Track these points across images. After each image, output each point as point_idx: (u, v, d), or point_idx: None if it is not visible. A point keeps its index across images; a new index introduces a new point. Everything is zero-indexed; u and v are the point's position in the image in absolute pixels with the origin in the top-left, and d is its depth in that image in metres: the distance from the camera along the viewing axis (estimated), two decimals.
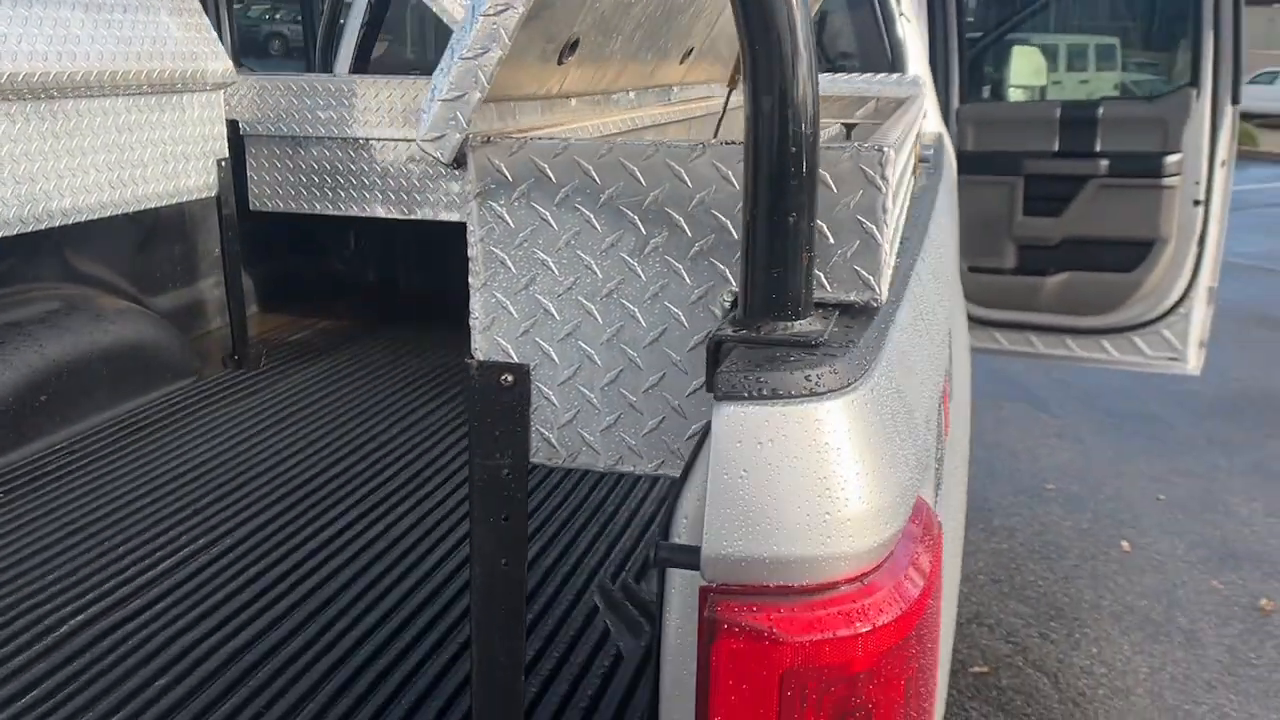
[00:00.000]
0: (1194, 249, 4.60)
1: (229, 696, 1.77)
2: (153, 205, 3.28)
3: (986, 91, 5.46)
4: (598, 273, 1.16)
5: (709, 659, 0.90)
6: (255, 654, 1.89)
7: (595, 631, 1.98)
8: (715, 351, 1.00)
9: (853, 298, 1.07)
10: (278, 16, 45.81)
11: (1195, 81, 4.39)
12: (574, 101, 1.63)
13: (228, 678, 1.82)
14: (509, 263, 1.19)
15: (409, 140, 3.79)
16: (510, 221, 1.17)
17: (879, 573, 0.94)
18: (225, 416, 3.18)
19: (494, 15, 1.08)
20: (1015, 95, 5.73)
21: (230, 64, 3.52)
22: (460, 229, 3.96)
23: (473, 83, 1.12)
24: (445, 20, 3.61)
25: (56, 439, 2.91)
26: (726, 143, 1.09)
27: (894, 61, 3.92)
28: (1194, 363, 4.66)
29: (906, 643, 0.94)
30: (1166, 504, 5.31)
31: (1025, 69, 5.99)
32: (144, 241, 3.56)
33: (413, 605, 2.07)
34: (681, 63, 2.09)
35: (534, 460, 1.23)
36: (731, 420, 0.89)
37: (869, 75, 3.46)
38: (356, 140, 3.83)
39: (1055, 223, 4.77)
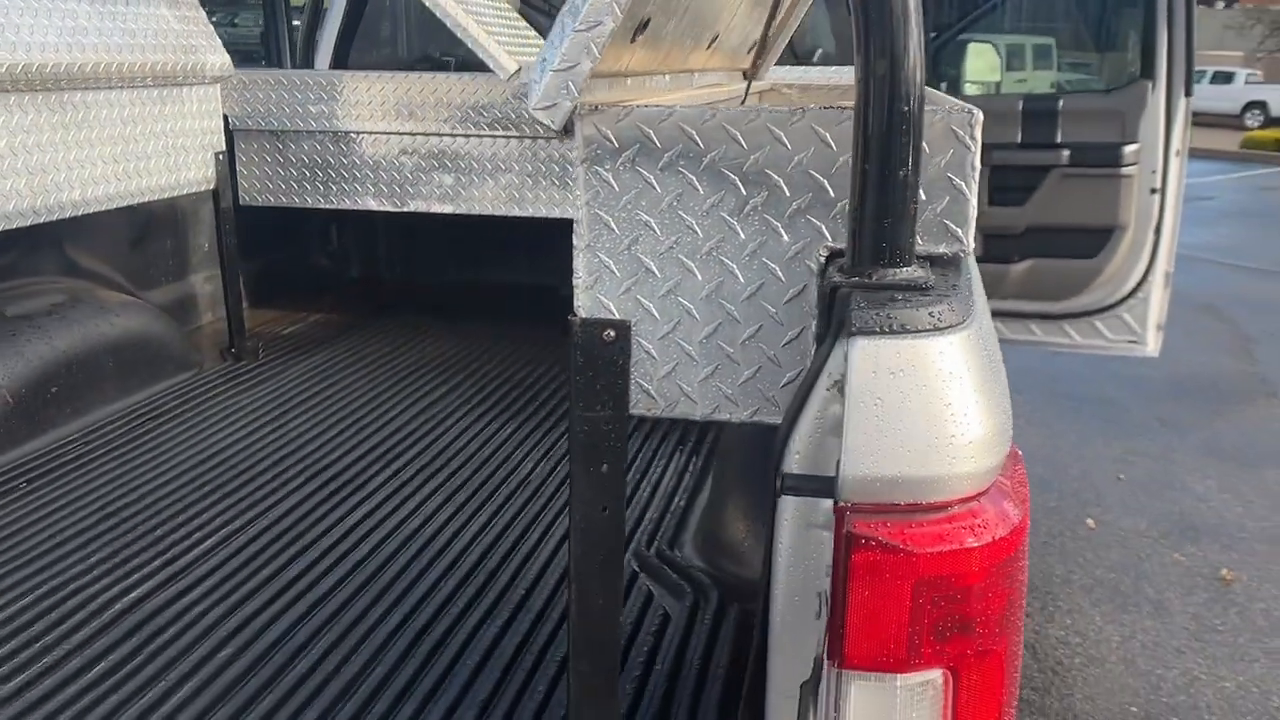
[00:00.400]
0: (1151, 236, 4.80)
1: (295, 662, 1.82)
2: (155, 198, 3.29)
3: (944, 88, 5.63)
4: (699, 232, 1.24)
5: (846, 572, 0.99)
6: (315, 621, 1.94)
7: (640, 595, 2.06)
8: (831, 296, 1.08)
9: (941, 249, 1.17)
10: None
11: (1150, 74, 4.59)
12: (629, 80, 1.71)
13: (292, 645, 1.86)
14: (613, 225, 1.26)
15: (400, 134, 3.83)
16: (615, 185, 1.25)
17: (989, 494, 1.03)
18: (236, 405, 3.19)
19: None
20: (971, 90, 5.90)
21: (227, 57, 3.53)
22: (450, 220, 4.00)
23: (584, 54, 1.19)
24: (438, 14, 3.65)
25: (69, 430, 2.91)
26: (824, 108, 1.18)
27: None
28: (1153, 345, 4.86)
29: (1011, 559, 1.04)
30: (1127, 483, 5.54)
31: (981, 66, 6.18)
32: (141, 235, 3.55)
33: (458, 575, 2.13)
34: (708, 49, 2.18)
35: (633, 411, 1.31)
36: (867, 353, 0.98)
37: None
38: (347, 134, 3.86)
39: (1019, 212, 4.94)
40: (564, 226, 3.83)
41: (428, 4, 3.70)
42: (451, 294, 4.62)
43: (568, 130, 1.24)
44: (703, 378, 1.29)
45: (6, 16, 2.63)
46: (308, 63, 4.58)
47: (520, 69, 3.69)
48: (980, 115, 1.13)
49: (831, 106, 1.17)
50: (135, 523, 2.37)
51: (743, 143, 1.21)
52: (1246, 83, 30.81)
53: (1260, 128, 27.48)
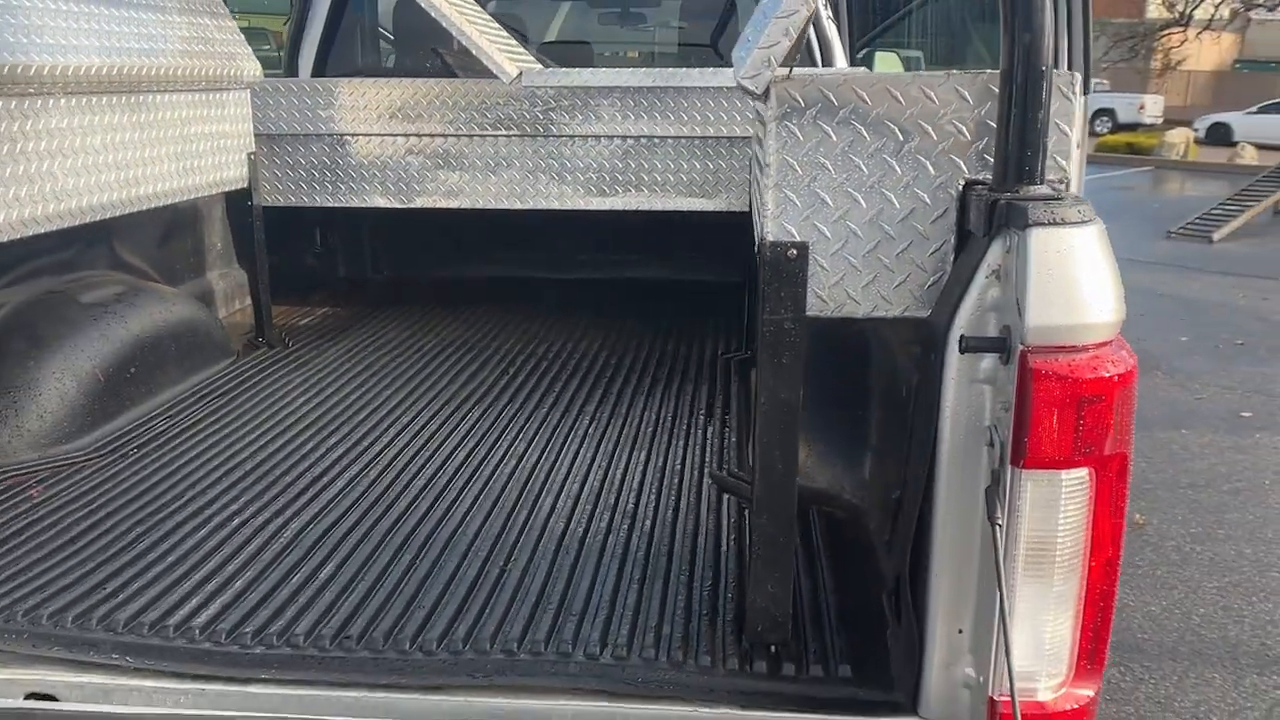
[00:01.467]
0: None
1: (465, 564, 2.13)
2: (204, 194, 3.50)
3: None
4: (864, 170, 1.63)
5: (1029, 396, 1.38)
6: (470, 532, 2.25)
7: (733, 503, 2.44)
8: (991, 208, 1.48)
9: (1051, 176, 1.58)
10: None
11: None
12: None
13: (458, 550, 2.17)
14: (796, 166, 1.64)
15: (407, 135, 4.11)
16: (800, 136, 1.63)
17: (1115, 342, 1.45)
18: (292, 381, 3.44)
19: None
20: None
21: (258, 64, 3.76)
22: (445, 214, 4.25)
23: (784, 35, 1.57)
24: (443, 22, 3.95)
25: (149, 406, 3.11)
26: (964, 72, 1.59)
27: (824, 58, 4.52)
28: None
29: (1130, 388, 1.45)
30: None
31: (889, 70, 6.81)
32: (180, 229, 3.75)
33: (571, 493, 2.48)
34: None
35: (809, 313, 1.68)
36: (1041, 238, 1.38)
37: (823, 68, 4.04)
38: (354, 136, 4.11)
39: None
40: (560, 218, 4.18)
41: (432, 13, 4.00)
42: (454, 286, 4.89)
43: (765, 95, 1.61)
44: (864, 284, 1.67)
45: (95, 24, 2.84)
46: (292, 71, 4.79)
47: (520, 74, 4.03)
48: (1079, 77, 1.56)
49: (967, 70, 1.58)
50: (260, 467, 2.63)
51: (901, 100, 1.60)
52: (1094, 91, 33.05)
53: (1110, 133, 29.68)
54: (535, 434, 2.97)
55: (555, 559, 2.19)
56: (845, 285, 1.68)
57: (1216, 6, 37.92)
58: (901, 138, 1.62)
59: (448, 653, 1.83)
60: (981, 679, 1.57)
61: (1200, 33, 35.53)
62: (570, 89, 4.02)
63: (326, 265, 4.94)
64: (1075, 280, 1.39)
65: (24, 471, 2.63)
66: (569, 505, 2.47)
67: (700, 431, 2.99)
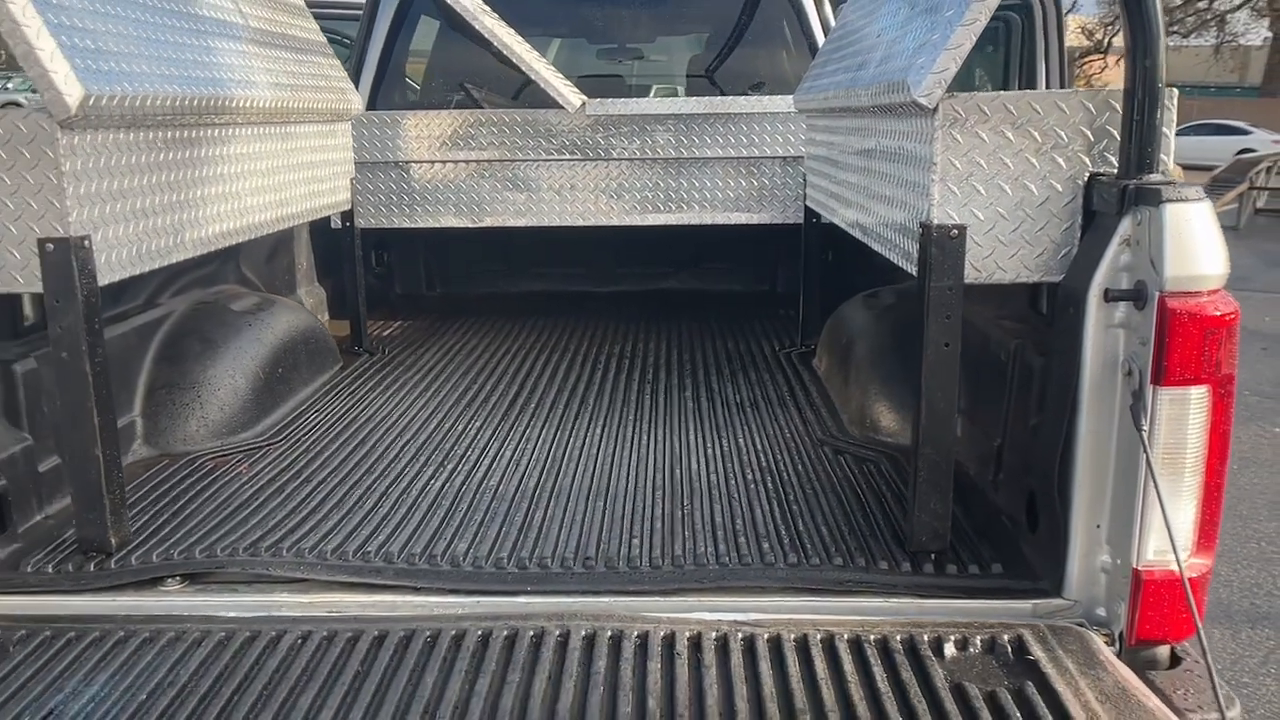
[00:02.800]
0: None
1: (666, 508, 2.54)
2: (325, 215, 3.86)
3: None
4: (1010, 166, 2.09)
5: (1167, 329, 1.84)
6: (642, 483, 2.67)
7: (842, 460, 2.88)
8: (1122, 192, 1.94)
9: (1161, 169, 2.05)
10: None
11: None
12: None
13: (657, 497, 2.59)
14: (957, 164, 2.09)
15: (478, 161, 4.50)
16: (961, 141, 2.08)
17: (1223, 290, 1.91)
18: (405, 380, 3.80)
19: (969, 24, 2.00)
20: None
21: (360, 99, 4.13)
22: (492, 234, 4.62)
23: (951, 62, 2.02)
24: (513, 58, 4.36)
25: (297, 401, 3.46)
26: (1088, 89, 2.05)
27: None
28: None
29: (1235, 324, 1.90)
30: None
31: None
32: (278, 249, 4.10)
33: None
34: None
35: (966, 280, 2.12)
36: (1174, 211, 1.84)
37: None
38: (429, 163, 4.50)
39: None
40: (600, 234, 4.59)
41: (502, 49, 4.41)
42: (503, 299, 5.27)
43: (934, 110, 2.06)
44: (1010, 256, 2.12)
45: (260, 63, 3.21)
46: None
47: (584, 103, 4.45)
48: (1176, 92, 2.03)
49: (1092, 87, 2.04)
50: (433, 435, 3.02)
51: (1039, 111, 2.06)
52: None
53: None
54: (650, 412, 3.37)
55: (724, 499, 2.60)
56: (995, 258, 2.12)
57: None
58: (1040, 140, 2.07)
59: (673, 566, 2.23)
60: (1119, 561, 2.01)
61: (1119, 60, 37.34)
62: (629, 116, 4.45)
63: (385, 283, 5.28)
64: (1197, 242, 1.85)
65: (213, 455, 2.96)
66: (710, 461, 2.88)
67: (794, 407, 3.42)
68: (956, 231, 2.10)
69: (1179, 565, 1.92)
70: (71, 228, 2.18)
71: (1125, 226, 1.93)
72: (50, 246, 2.16)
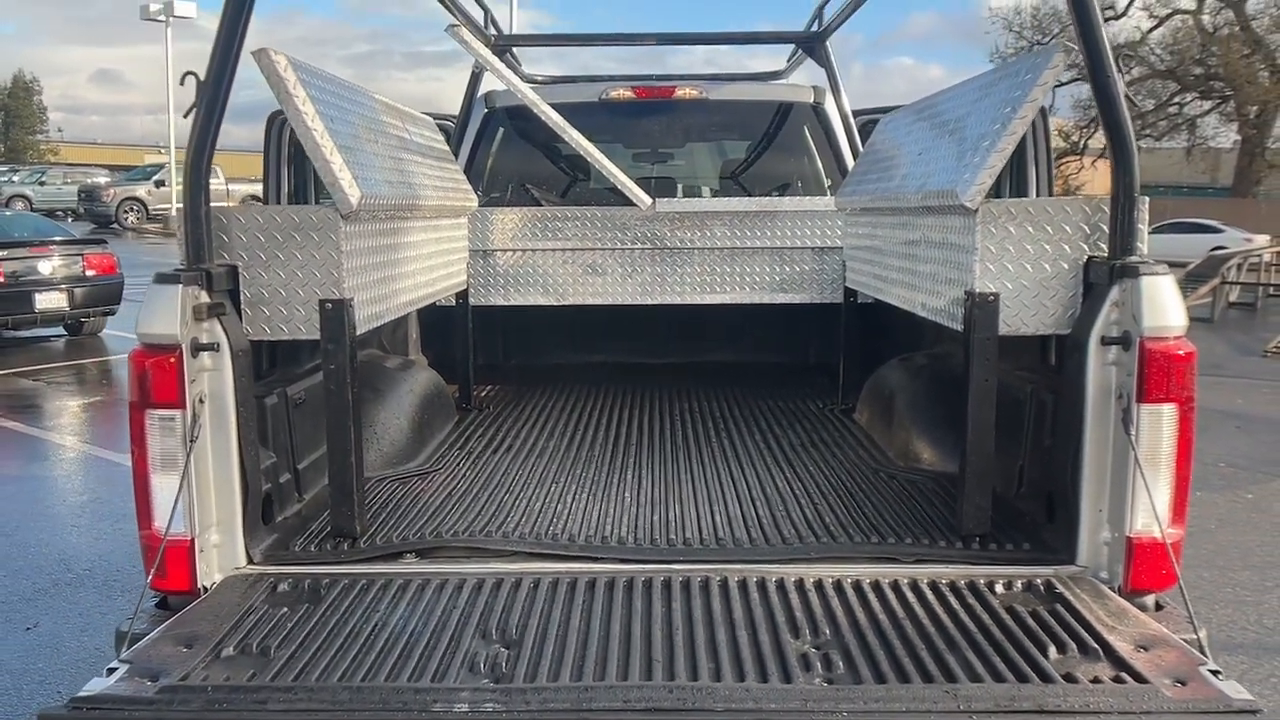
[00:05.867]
0: None
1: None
2: (452, 293, 4.68)
3: None
4: (1031, 251, 2.93)
5: (1145, 364, 2.64)
6: (728, 489, 3.44)
7: (897, 479, 3.66)
8: (1111, 268, 2.76)
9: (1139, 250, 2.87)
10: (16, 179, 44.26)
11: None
12: None
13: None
14: (993, 249, 2.92)
15: (562, 249, 5.32)
16: (995, 232, 2.92)
17: (1185, 336, 2.72)
18: (517, 427, 4.57)
19: (1002, 151, 2.85)
20: None
21: (475, 197, 4.99)
22: (563, 311, 5.43)
23: (989, 178, 2.87)
24: (593, 162, 5.22)
25: (436, 443, 4.22)
26: (1089, 197, 2.90)
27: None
28: None
29: (1194, 362, 2.71)
30: None
31: None
32: (400, 320, 4.90)
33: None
34: None
35: (1000, 333, 2.93)
36: (1150, 281, 2.67)
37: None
38: (521, 251, 5.33)
39: None
40: (656, 313, 5.40)
41: (583, 153, 5.27)
42: (571, 370, 6.05)
43: (976, 210, 2.90)
44: (1032, 315, 2.94)
45: (420, 169, 4.06)
46: None
47: (654, 201, 5.30)
48: (1148, 199, 2.86)
49: (1090, 196, 2.89)
50: (559, 462, 3.79)
51: (1051, 212, 2.90)
52: None
53: None
54: (729, 450, 4.15)
55: (809, 503, 3.37)
56: (1021, 316, 2.94)
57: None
58: (1051, 232, 2.91)
59: (781, 540, 3.00)
60: (1116, 534, 2.78)
61: (1095, 161, 39.07)
62: (689, 213, 5.31)
63: (463, 354, 6.08)
64: (1166, 302, 2.67)
65: (387, 480, 3.70)
66: (789, 481, 3.66)
67: (846, 447, 4.21)
68: (993, 297, 2.93)
69: (1160, 532, 2.69)
70: (344, 291, 2.97)
71: (1114, 293, 2.75)
72: (329, 305, 2.95)
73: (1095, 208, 2.90)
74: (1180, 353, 2.67)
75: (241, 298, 2.94)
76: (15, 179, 43.87)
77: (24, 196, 40.41)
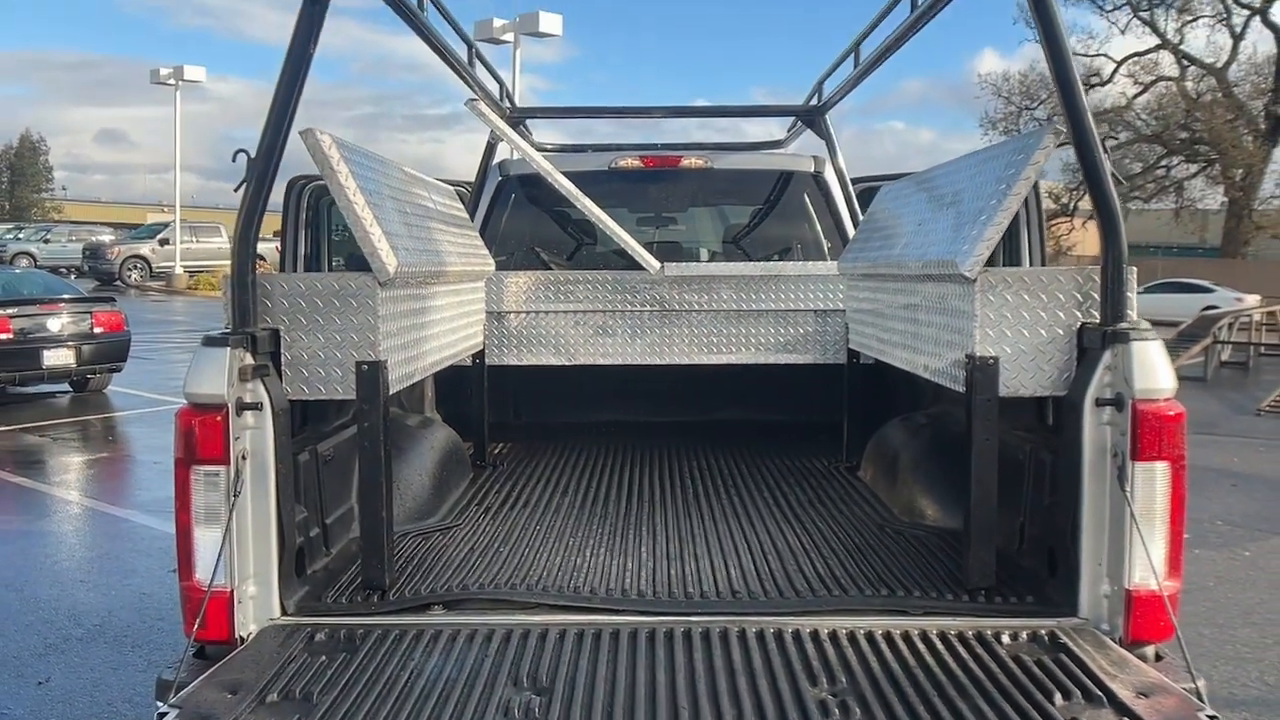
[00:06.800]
0: None
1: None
2: (471, 354, 4.85)
3: None
4: (1027, 316, 3.10)
5: (1138, 424, 2.80)
6: (739, 538, 3.58)
7: (903, 537, 3.79)
8: (1104, 334, 2.93)
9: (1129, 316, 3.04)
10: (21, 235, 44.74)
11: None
12: None
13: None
14: (991, 315, 3.09)
15: (574, 311, 5.50)
16: (993, 299, 3.10)
17: (1175, 398, 2.88)
18: (531, 481, 4.70)
19: (999, 224, 3.04)
20: None
21: (492, 261, 5.18)
22: (570, 371, 5.62)
23: (986, 249, 3.05)
24: (604, 228, 5.41)
25: (455, 497, 4.35)
26: (1079, 269, 3.08)
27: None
28: None
29: (1183, 420, 2.87)
30: None
31: None
32: (429, 381, 5.06)
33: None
34: None
35: (1000, 394, 3.09)
36: (1140, 345, 2.83)
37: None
38: (534, 313, 5.51)
39: None
40: (659, 373, 5.57)
41: (594, 220, 5.47)
42: (578, 428, 6.20)
43: (975, 278, 3.07)
44: (1029, 377, 3.11)
45: (445, 237, 4.25)
46: None
47: (663, 266, 5.49)
48: (1135, 269, 3.04)
49: (1081, 265, 3.07)
50: (575, 518, 3.92)
51: (1045, 280, 3.08)
52: None
53: None
54: (738, 506, 4.29)
55: (821, 557, 3.50)
56: (1019, 379, 3.11)
57: None
58: (1046, 299, 3.09)
59: (795, 595, 3.12)
60: (1115, 587, 2.91)
61: (1085, 222, 39.63)
62: (697, 276, 5.50)
63: (479, 412, 6.23)
64: (1155, 366, 2.84)
65: (409, 535, 3.83)
66: (800, 535, 3.79)
67: (852, 503, 4.35)
68: (993, 360, 3.09)
69: (1157, 584, 2.83)
70: (379, 353, 3.14)
71: (1107, 357, 2.92)
72: (365, 366, 3.11)
73: (1087, 276, 3.08)
74: (1171, 413, 2.83)
75: (283, 359, 3.10)
76: (20, 236, 44.32)
77: (29, 254, 40.79)
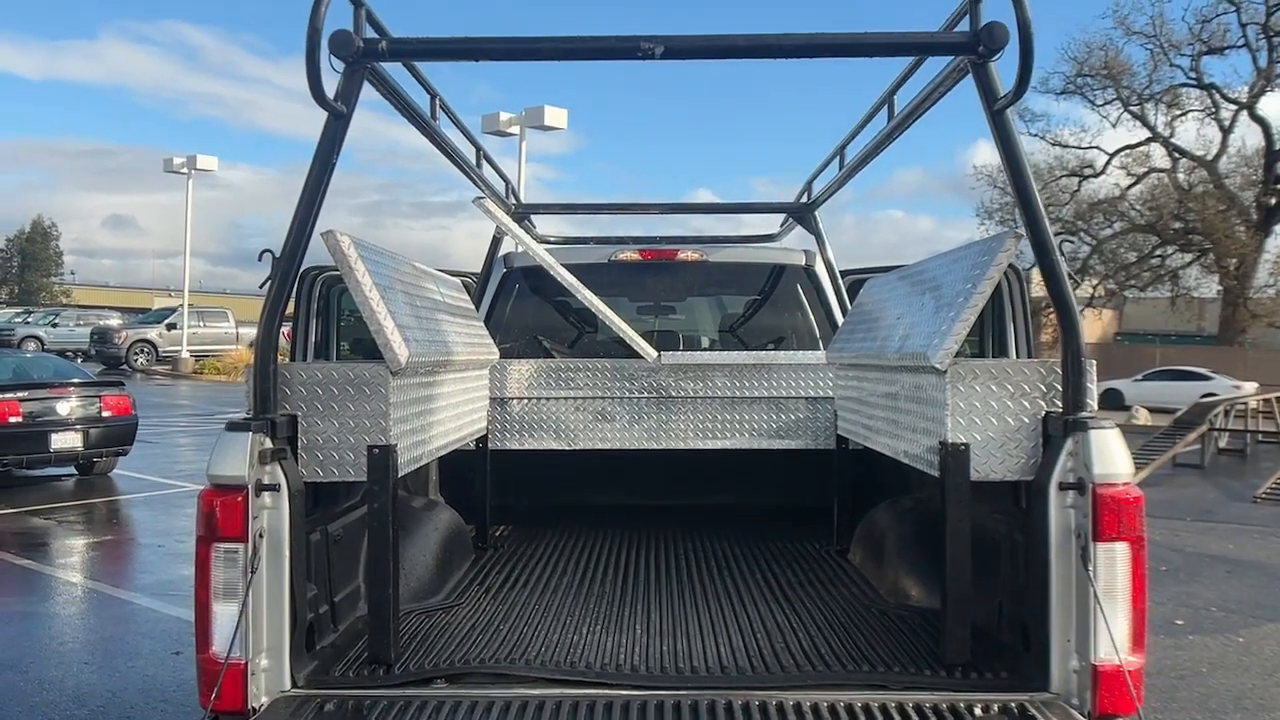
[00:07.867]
0: None
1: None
2: (475, 439, 5.05)
3: None
4: (995, 406, 3.31)
5: (1099, 507, 2.99)
6: (729, 619, 3.74)
7: (889, 617, 3.95)
8: (1065, 423, 3.14)
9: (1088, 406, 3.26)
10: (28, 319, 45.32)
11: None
12: None
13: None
14: (961, 404, 3.31)
15: (574, 397, 5.72)
16: (961, 388, 3.31)
17: (1131, 483, 3.08)
18: (533, 562, 4.86)
19: (966, 320, 3.28)
20: None
21: (496, 349, 5.41)
22: (568, 456, 5.82)
23: (955, 343, 3.28)
24: (602, 317, 5.66)
25: (457, 578, 4.51)
26: (1048, 363, 3.30)
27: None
28: None
29: (1141, 504, 3.06)
30: None
31: None
32: (433, 465, 5.26)
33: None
34: None
35: (971, 479, 3.29)
36: (1099, 434, 3.04)
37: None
38: (533, 399, 5.72)
39: None
40: (654, 458, 5.76)
41: (594, 311, 5.72)
42: (577, 510, 6.36)
43: (945, 370, 3.30)
44: (999, 463, 3.31)
45: (452, 328, 4.50)
46: None
47: (660, 355, 5.73)
48: (1094, 362, 3.26)
49: (1044, 360, 3.30)
50: (573, 598, 4.08)
51: (1011, 372, 3.30)
52: None
53: None
54: (729, 589, 4.44)
55: (806, 634, 3.66)
56: (989, 464, 3.31)
57: (1094, 287, 42.91)
58: (1013, 390, 3.31)
59: (780, 669, 3.28)
60: (1083, 662, 3.07)
61: (1083, 310, 39.99)
62: (692, 365, 5.73)
63: (481, 495, 6.40)
64: (1114, 452, 3.04)
65: (413, 613, 3.99)
66: (789, 615, 3.94)
67: (840, 585, 4.50)
68: (964, 446, 3.30)
69: (1119, 660, 2.99)
70: (390, 438, 3.35)
71: (1069, 444, 3.13)
72: (375, 450, 3.32)
73: (1050, 369, 3.31)
74: (1129, 496, 3.03)
75: (299, 443, 3.31)
76: (29, 320, 44.90)
77: (37, 338, 41.27)
